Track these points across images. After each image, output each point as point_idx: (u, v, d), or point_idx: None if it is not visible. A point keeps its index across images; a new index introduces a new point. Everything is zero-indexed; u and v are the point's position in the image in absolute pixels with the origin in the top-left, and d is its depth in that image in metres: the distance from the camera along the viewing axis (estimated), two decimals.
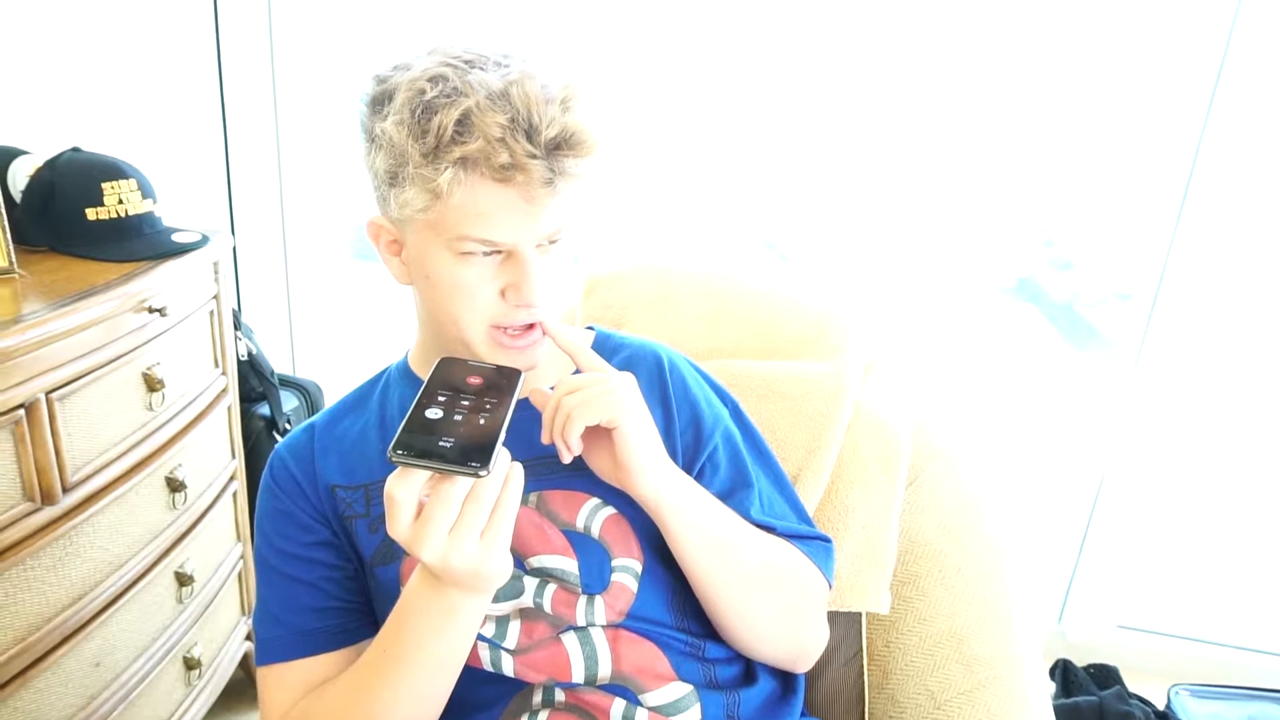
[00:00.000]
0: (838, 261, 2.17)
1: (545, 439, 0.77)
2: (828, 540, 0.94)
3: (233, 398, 1.56)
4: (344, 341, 2.19)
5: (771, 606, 0.86)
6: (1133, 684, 1.77)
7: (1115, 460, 1.89)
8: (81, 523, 1.16)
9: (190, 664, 1.44)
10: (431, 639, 0.71)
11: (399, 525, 0.63)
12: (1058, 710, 1.64)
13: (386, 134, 0.73)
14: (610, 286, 1.23)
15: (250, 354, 1.72)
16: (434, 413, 0.67)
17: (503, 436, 0.65)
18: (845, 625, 1.06)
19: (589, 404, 0.74)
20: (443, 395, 0.69)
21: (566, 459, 0.77)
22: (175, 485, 1.35)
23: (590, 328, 0.99)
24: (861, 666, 1.05)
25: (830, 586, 0.92)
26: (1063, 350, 2.24)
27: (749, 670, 0.90)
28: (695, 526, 0.80)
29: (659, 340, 0.99)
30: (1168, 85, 1.77)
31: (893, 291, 2.14)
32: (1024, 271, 2.24)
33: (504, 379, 0.73)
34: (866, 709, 1.04)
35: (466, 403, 0.68)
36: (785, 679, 0.94)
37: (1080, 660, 1.83)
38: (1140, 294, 1.80)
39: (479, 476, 0.62)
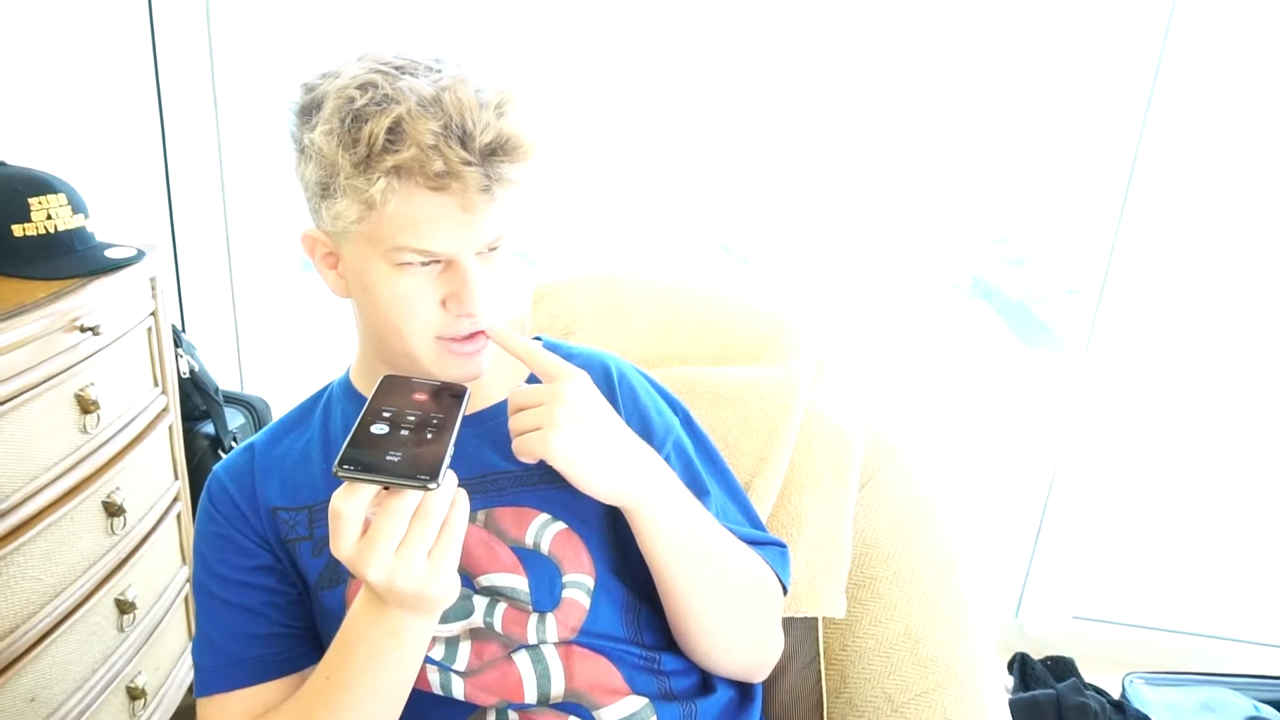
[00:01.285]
0: (794, 263, 2.18)
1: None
2: (783, 546, 0.94)
3: (174, 417, 1.51)
4: (293, 356, 2.14)
5: (735, 612, 0.85)
6: (1089, 674, 1.80)
7: (1067, 454, 1.92)
8: (12, 552, 1.12)
9: (134, 694, 1.40)
10: (377, 663, 0.69)
11: (344, 543, 0.61)
12: (1015, 705, 1.66)
13: (316, 144, 0.70)
14: (558, 295, 1.21)
15: (193, 371, 1.67)
16: (380, 429, 0.65)
17: (451, 450, 0.65)
18: (802, 630, 1.06)
19: (520, 446, 0.73)
20: (387, 412, 0.67)
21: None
22: (113, 509, 1.30)
23: (538, 338, 0.97)
24: (819, 671, 1.05)
25: (786, 592, 0.92)
26: (1015, 347, 2.28)
27: (705, 680, 0.90)
28: (666, 528, 0.78)
29: (609, 349, 0.98)
30: (1109, 80, 1.81)
31: (847, 291, 2.16)
32: (977, 269, 2.27)
33: (449, 395, 0.72)
34: (825, 714, 1.04)
35: (412, 418, 0.67)
36: (743, 687, 0.94)
37: (1038, 653, 1.86)
38: (1087, 288, 1.84)
39: (428, 489, 0.61)
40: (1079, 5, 1.83)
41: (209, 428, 1.71)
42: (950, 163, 2.04)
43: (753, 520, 0.94)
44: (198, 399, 1.70)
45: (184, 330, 1.99)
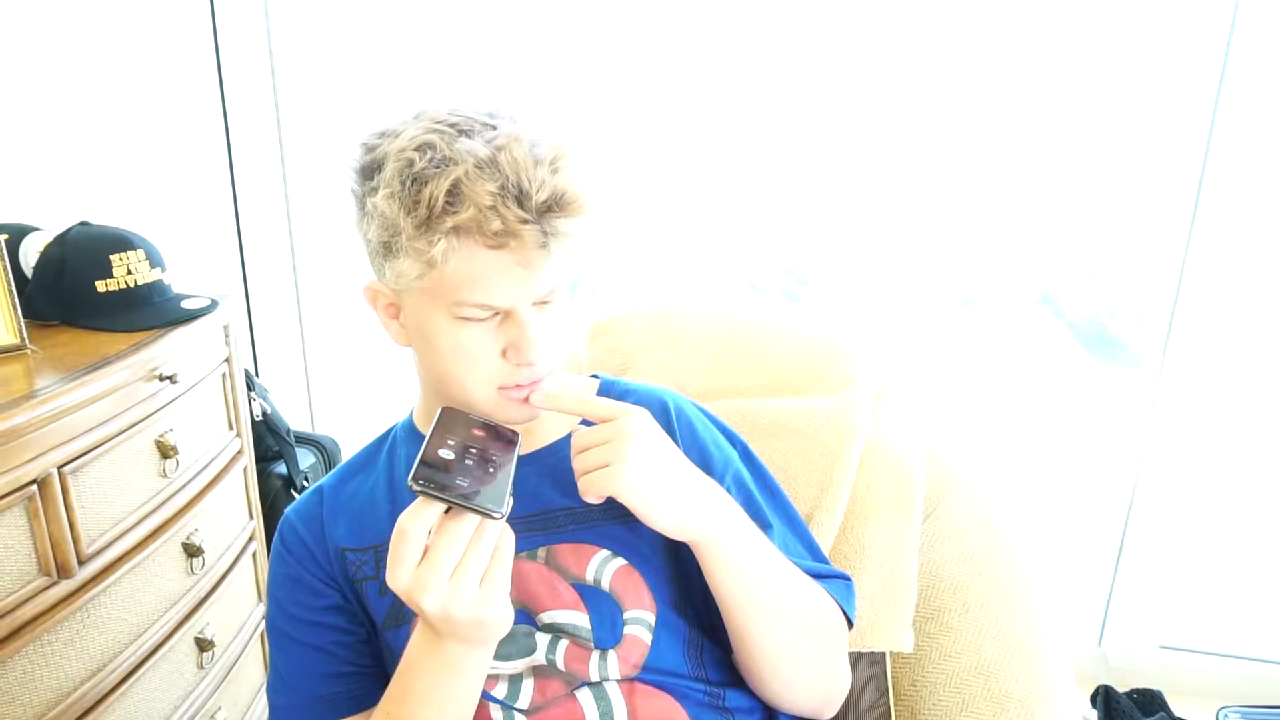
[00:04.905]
0: (857, 283, 2.16)
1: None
2: (848, 578, 0.93)
3: (248, 459, 1.56)
4: (360, 395, 2.20)
5: (803, 645, 0.84)
6: (1178, 708, 1.72)
7: (1147, 474, 1.85)
8: (99, 594, 1.16)
9: None
10: (436, 696, 0.71)
11: (403, 568, 0.63)
12: None
13: (378, 207, 0.73)
14: (614, 331, 1.22)
15: (265, 413, 1.73)
16: (446, 454, 0.68)
17: (512, 484, 0.68)
18: (869, 665, 1.04)
19: (587, 484, 0.74)
20: (452, 440, 0.70)
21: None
22: (193, 550, 1.35)
23: (595, 375, 0.99)
24: (888, 708, 1.02)
25: (852, 625, 0.91)
26: (1087, 363, 2.21)
27: (771, 718, 0.88)
28: (735, 562, 0.78)
29: (666, 383, 0.99)
30: (1176, 88, 1.76)
31: (912, 310, 2.12)
32: (1046, 285, 2.21)
33: (505, 436, 0.75)
34: None
35: (475, 450, 0.70)
36: None
37: (1122, 685, 1.78)
38: (1162, 302, 1.78)
39: (493, 517, 0.65)
40: (1144, 14, 1.79)
41: (281, 468, 1.76)
42: (1017, 178, 2.00)
43: (815, 553, 0.93)
44: (270, 440, 1.75)
45: (257, 374, 2.07)
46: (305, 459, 1.84)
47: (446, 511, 0.65)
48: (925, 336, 2.12)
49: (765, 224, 2.12)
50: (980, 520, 1.10)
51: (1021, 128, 1.93)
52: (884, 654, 1.04)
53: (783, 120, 1.96)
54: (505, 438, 0.75)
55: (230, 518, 1.50)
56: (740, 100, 1.95)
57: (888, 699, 1.03)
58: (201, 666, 1.39)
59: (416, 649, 0.70)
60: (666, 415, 0.91)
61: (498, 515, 0.64)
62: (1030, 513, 1.98)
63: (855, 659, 1.01)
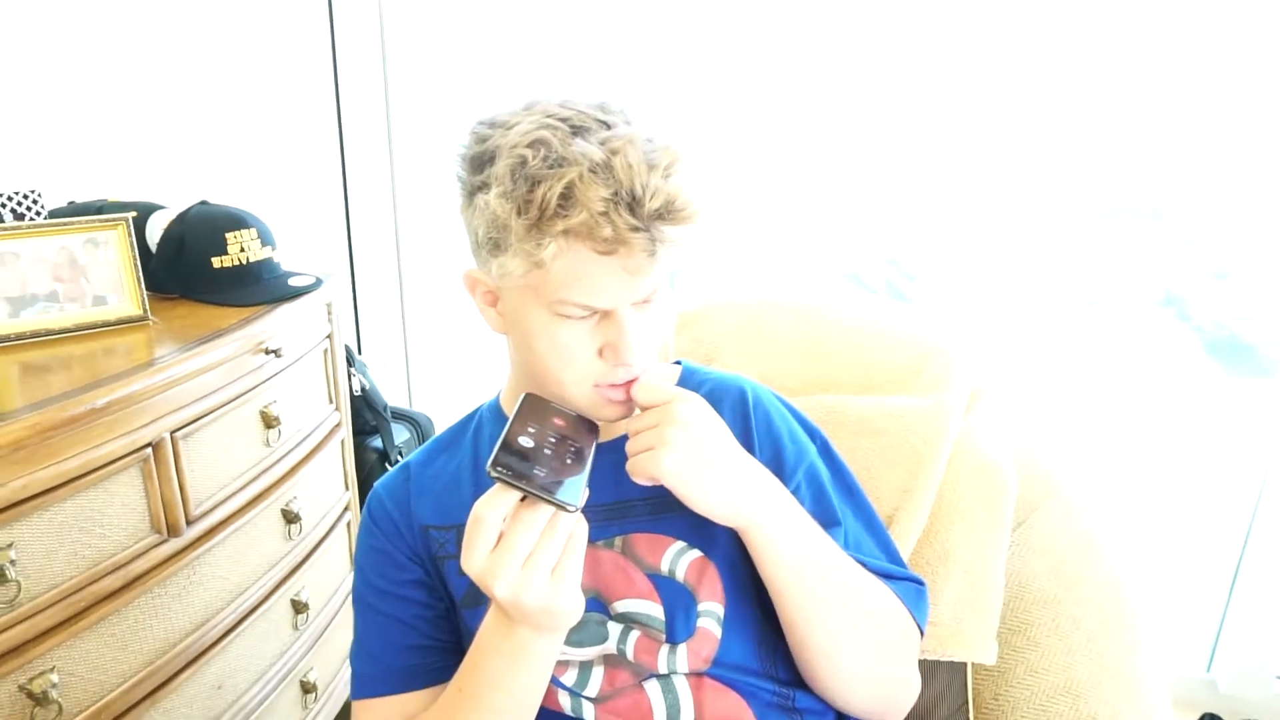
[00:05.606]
0: (966, 278, 2.07)
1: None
2: (920, 582, 0.90)
3: (346, 432, 1.63)
4: (457, 374, 2.26)
5: (860, 643, 0.82)
6: None
7: (1271, 491, 1.73)
8: (204, 553, 1.24)
9: (306, 688, 1.51)
10: (505, 679, 0.72)
11: (477, 553, 0.65)
12: None
13: (489, 205, 0.73)
14: (701, 322, 1.21)
15: (364, 389, 1.79)
16: (526, 441, 0.69)
17: (588, 478, 0.68)
18: (949, 675, 1.00)
19: (633, 466, 0.74)
20: (532, 428, 0.71)
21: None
22: (291, 517, 1.41)
23: (678, 362, 0.98)
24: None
25: (922, 631, 0.88)
26: (1212, 372, 2.07)
27: None
28: (783, 551, 0.77)
29: (750, 375, 0.98)
30: None
31: (1025, 309, 2.03)
32: (1172, 286, 2.08)
33: (585, 426, 0.75)
34: None
35: (554, 440, 0.71)
36: None
37: (1231, 715, 1.67)
38: None
39: (567, 511, 0.65)
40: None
41: (377, 442, 1.83)
42: (1149, 170, 1.88)
43: (891, 555, 0.91)
44: (368, 415, 1.82)
45: (359, 351, 2.15)
46: (400, 434, 1.91)
47: (523, 499, 0.65)
48: (1037, 337, 2.02)
49: (869, 212, 2.06)
50: (1076, 532, 1.05)
51: (1156, 121, 1.81)
52: (965, 664, 1.01)
53: (894, 105, 1.90)
54: (586, 428, 0.75)
55: (327, 487, 1.57)
56: (851, 84, 1.89)
57: (967, 710, 0.99)
58: (296, 628, 1.46)
59: (489, 631, 0.72)
60: (744, 403, 0.90)
61: (572, 509, 0.64)
62: (1137, 527, 1.87)
63: (934, 667, 0.98)
